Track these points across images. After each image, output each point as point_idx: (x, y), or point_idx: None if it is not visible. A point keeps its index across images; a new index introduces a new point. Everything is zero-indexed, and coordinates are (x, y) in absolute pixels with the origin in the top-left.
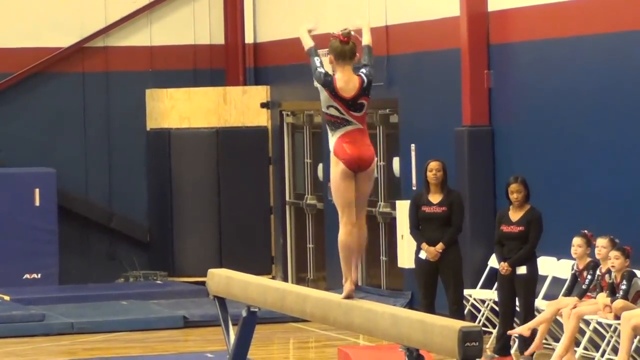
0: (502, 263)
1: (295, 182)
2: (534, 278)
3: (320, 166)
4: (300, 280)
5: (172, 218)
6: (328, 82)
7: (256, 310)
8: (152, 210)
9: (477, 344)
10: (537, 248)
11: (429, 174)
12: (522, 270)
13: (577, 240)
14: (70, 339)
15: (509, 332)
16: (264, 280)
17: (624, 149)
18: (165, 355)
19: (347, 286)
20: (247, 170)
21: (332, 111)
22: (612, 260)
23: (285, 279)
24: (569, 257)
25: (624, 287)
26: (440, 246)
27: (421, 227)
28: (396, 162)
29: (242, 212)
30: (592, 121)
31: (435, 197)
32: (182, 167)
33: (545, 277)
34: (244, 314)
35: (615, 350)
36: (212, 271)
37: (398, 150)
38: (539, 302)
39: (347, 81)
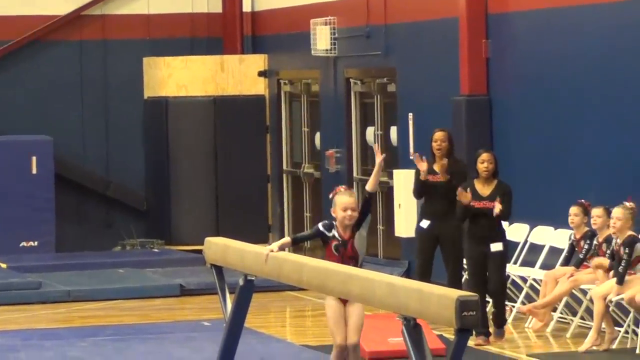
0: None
1: (293, 150)
2: (507, 254)
3: (317, 135)
4: (297, 248)
5: (169, 186)
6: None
7: (253, 278)
8: (149, 178)
9: (474, 313)
10: (533, 217)
11: (434, 145)
12: (497, 247)
13: (574, 210)
14: (67, 307)
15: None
16: (261, 249)
17: (623, 119)
18: (162, 323)
19: None
20: (244, 139)
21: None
22: (613, 220)
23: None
24: (567, 226)
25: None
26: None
27: (424, 196)
28: (394, 131)
29: (239, 180)
30: (590, 90)
31: (439, 165)
32: (179, 135)
33: (542, 247)
34: (241, 282)
35: (613, 321)
36: (209, 239)
37: (395, 120)
38: (536, 272)
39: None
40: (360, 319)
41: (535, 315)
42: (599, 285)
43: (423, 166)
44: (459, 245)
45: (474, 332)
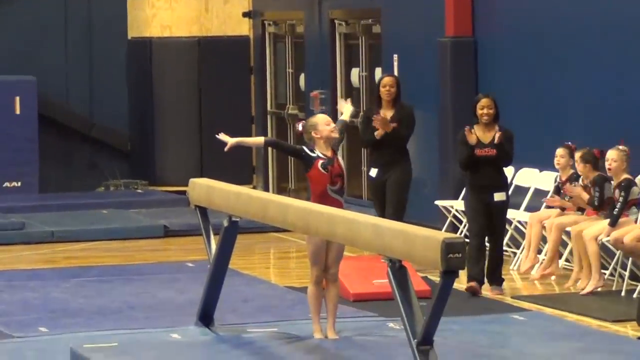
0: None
1: (277, 92)
2: (508, 203)
3: (302, 76)
4: (281, 190)
5: (153, 127)
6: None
7: (237, 220)
8: (133, 119)
9: (460, 255)
10: (518, 159)
11: (382, 90)
12: (501, 196)
13: (559, 151)
14: (50, 248)
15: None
16: (245, 190)
17: (612, 59)
18: (145, 264)
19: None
20: (228, 80)
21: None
22: (609, 162)
23: (266, 189)
24: (552, 168)
25: (597, 193)
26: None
27: (374, 146)
28: (378, 73)
29: (223, 121)
30: (578, 31)
31: (387, 113)
32: (163, 76)
33: (527, 189)
34: (226, 223)
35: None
36: (193, 180)
37: (380, 61)
38: (521, 214)
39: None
40: (341, 252)
41: (550, 273)
42: (591, 227)
43: (473, 138)
44: (403, 190)
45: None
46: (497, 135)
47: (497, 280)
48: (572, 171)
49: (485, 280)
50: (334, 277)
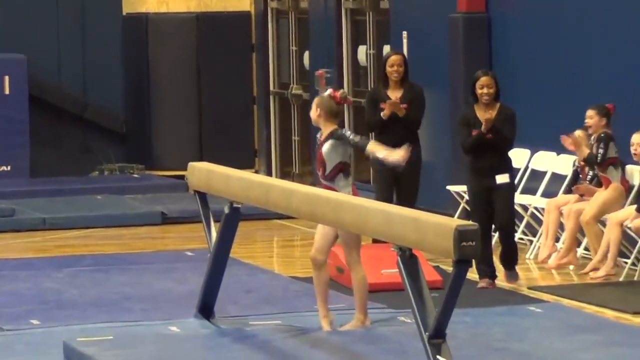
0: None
1: (280, 70)
2: (514, 185)
3: (306, 54)
4: (285, 174)
5: (149, 108)
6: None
7: (239, 206)
8: (129, 99)
9: (474, 243)
10: (535, 142)
11: (389, 69)
12: (504, 178)
13: (577, 132)
14: (42, 235)
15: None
16: (247, 175)
17: (632, 36)
18: (142, 253)
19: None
20: (228, 58)
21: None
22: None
23: (269, 174)
24: (570, 151)
25: (601, 150)
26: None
27: (379, 129)
28: (386, 50)
29: (223, 102)
30: (595, 5)
31: (395, 93)
32: (160, 54)
33: (544, 173)
34: (227, 210)
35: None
36: (192, 164)
37: (389, 38)
38: (538, 200)
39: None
40: (351, 239)
41: (568, 262)
42: (618, 212)
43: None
44: (418, 179)
45: (478, 276)
46: (485, 119)
47: (511, 269)
48: (587, 151)
49: (499, 272)
50: (350, 264)
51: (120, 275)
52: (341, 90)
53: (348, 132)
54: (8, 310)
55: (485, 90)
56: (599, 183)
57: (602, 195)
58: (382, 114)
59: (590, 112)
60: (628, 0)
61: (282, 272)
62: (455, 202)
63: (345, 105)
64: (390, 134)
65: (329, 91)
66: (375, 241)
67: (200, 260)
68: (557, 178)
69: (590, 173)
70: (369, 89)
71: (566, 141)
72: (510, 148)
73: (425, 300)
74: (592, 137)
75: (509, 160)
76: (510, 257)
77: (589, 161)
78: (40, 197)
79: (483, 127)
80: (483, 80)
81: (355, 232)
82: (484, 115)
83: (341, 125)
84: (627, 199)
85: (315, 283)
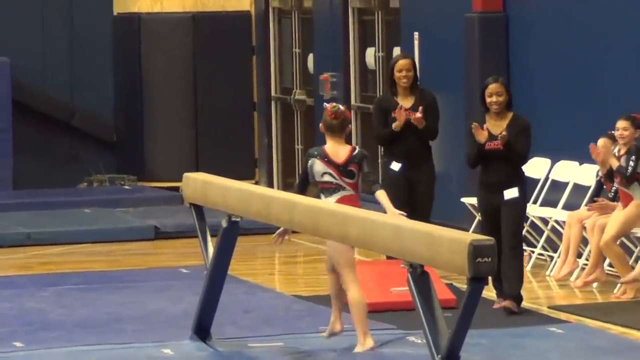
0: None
1: (282, 74)
2: (525, 202)
3: (310, 57)
4: (287, 186)
5: (142, 115)
6: (320, 152)
7: (238, 219)
8: (120, 106)
9: (489, 259)
10: (555, 151)
11: (398, 75)
12: (512, 193)
13: (601, 142)
14: (25, 252)
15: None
16: (246, 186)
17: None
18: (134, 270)
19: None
20: (227, 61)
21: (327, 177)
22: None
23: (270, 185)
24: (593, 161)
25: (632, 163)
26: (420, 112)
27: (392, 139)
28: (396, 53)
29: (221, 108)
30: (621, 4)
31: (406, 101)
32: (153, 57)
33: (566, 184)
34: (224, 224)
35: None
36: (187, 175)
37: (399, 40)
38: (559, 213)
39: (336, 149)
40: (344, 255)
41: (594, 279)
42: None
43: (482, 136)
44: (433, 193)
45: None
46: (501, 135)
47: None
48: (617, 163)
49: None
50: (344, 283)
51: (110, 294)
52: (332, 104)
53: (366, 168)
54: None
55: (494, 99)
56: (619, 198)
57: (622, 213)
58: (393, 125)
59: (624, 124)
60: None
61: (283, 291)
62: (470, 215)
63: (350, 117)
64: (404, 146)
65: (324, 105)
66: (389, 257)
67: (196, 277)
68: (579, 189)
69: (616, 185)
70: (378, 94)
71: (595, 151)
72: (524, 163)
73: (437, 321)
74: (616, 148)
75: (521, 174)
76: (514, 278)
77: (621, 174)
78: (24, 211)
79: (500, 141)
80: (492, 87)
81: (363, 247)
82: (494, 126)
83: (348, 138)
84: None
85: (328, 284)
